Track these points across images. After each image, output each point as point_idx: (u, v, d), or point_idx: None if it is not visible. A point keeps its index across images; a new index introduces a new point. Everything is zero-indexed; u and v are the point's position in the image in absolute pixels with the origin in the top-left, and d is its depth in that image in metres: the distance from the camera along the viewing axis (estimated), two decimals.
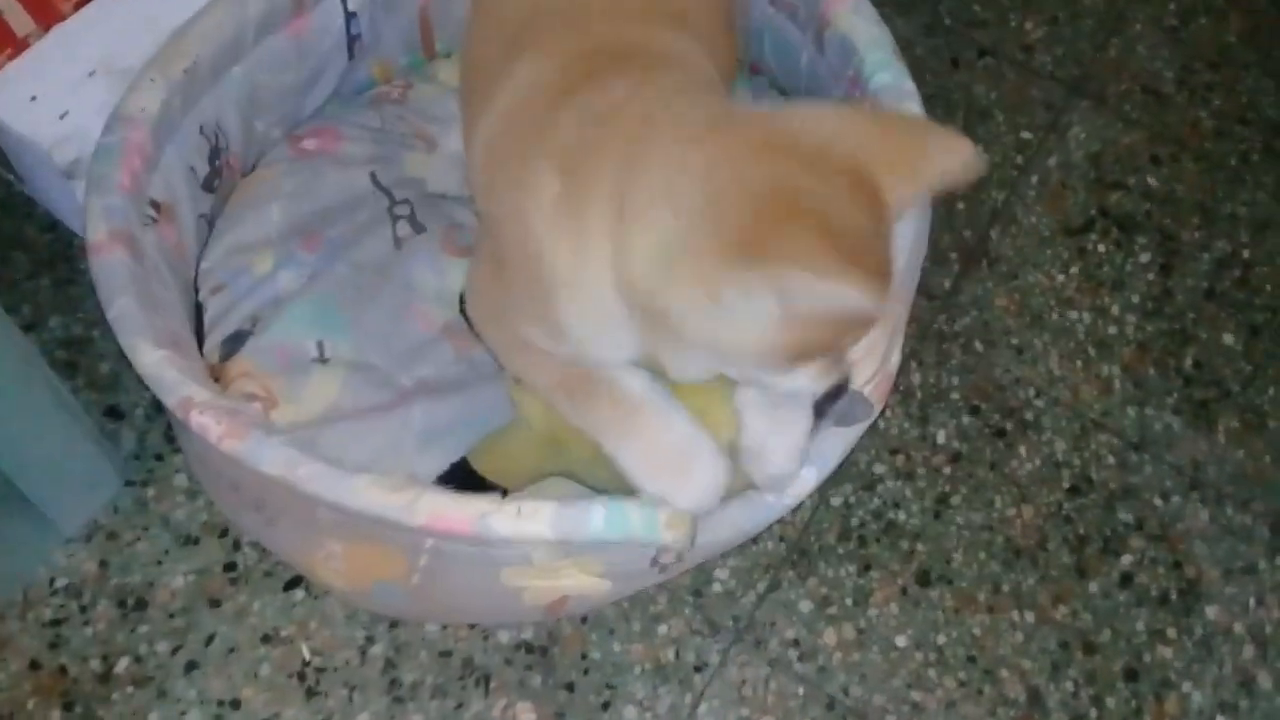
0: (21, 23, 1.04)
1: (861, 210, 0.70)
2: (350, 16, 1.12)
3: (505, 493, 0.93)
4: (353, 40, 1.14)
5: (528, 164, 0.77)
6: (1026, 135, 1.36)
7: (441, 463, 0.97)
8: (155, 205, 0.97)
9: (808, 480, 0.92)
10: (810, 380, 0.77)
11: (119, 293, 0.88)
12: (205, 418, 0.84)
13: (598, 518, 0.82)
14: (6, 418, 0.89)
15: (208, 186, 1.06)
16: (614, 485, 0.90)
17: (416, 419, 1.01)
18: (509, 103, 0.84)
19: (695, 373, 0.79)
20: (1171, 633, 1.07)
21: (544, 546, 0.85)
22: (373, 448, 0.99)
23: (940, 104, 1.38)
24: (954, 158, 0.72)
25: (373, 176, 1.12)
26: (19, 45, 1.05)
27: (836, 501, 1.12)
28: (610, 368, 0.86)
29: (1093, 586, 1.09)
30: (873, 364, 0.91)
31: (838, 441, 0.93)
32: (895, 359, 0.97)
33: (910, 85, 1.04)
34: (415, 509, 0.81)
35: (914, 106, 1.02)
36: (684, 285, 0.69)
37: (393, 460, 0.99)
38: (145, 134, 0.96)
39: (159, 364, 0.86)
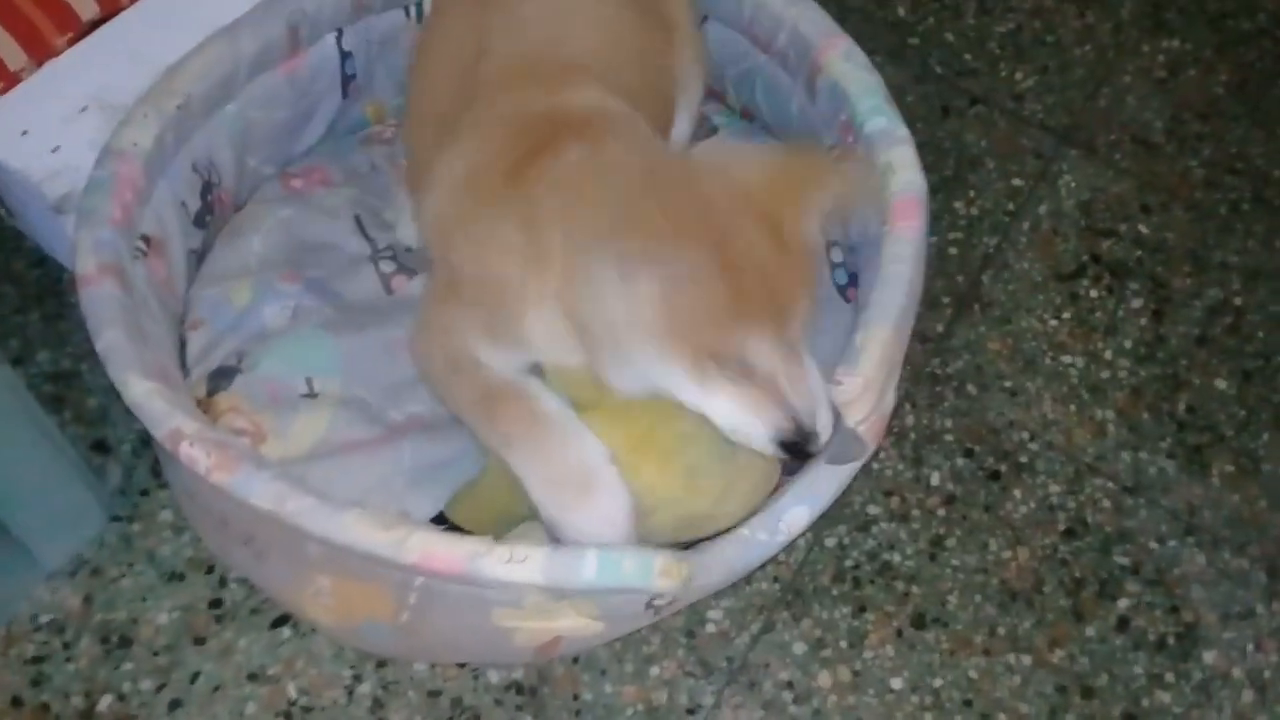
0: (14, 57, 1.05)
1: (759, 258, 0.79)
2: (345, 56, 1.13)
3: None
4: (347, 80, 1.15)
5: (496, 227, 0.86)
6: (1017, 183, 1.37)
7: (432, 504, 0.96)
8: (145, 239, 0.97)
9: (800, 518, 0.91)
10: (736, 405, 0.80)
11: (108, 325, 0.87)
12: (195, 450, 0.83)
13: (590, 565, 0.81)
14: None
15: (199, 222, 1.06)
16: None
17: (406, 457, 1.01)
18: (454, 181, 0.91)
19: (630, 382, 0.83)
20: (1169, 677, 1.06)
21: (535, 591, 0.84)
22: (362, 485, 0.98)
23: (931, 151, 1.39)
24: (847, 181, 0.85)
25: (357, 220, 1.13)
26: (11, 80, 1.05)
27: (831, 543, 1.11)
28: (536, 388, 0.89)
29: (1089, 630, 1.08)
30: (867, 403, 0.91)
31: (831, 479, 0.93)
32: (890, 399, 0.96)
33: (904, 131, 1.05)
34: (406, 547, 0.80)
35: (907, 151, 1.03)
36: (589, 274, 0.79)
37: (383, 497, 0.98)
38: (137, 168, 0.96)
39: (148, 396, 0.85)
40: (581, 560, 0.81)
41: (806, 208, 0.82)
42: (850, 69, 1.08)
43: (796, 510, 0.91)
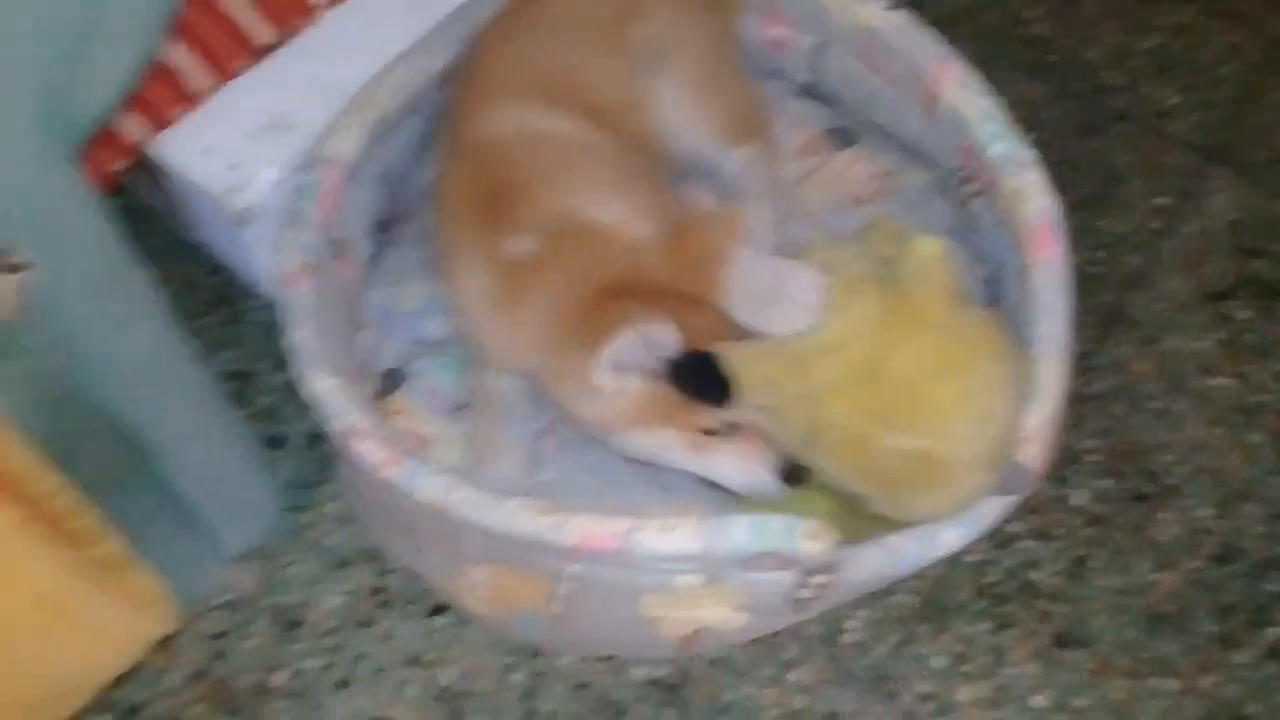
0: (198, 79, 1.11)
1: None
2: None
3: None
4: None
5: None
6: (1163, 201, 1.35)
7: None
8: (336, 242, 1.03)
9: (955, 539, 0.92)
10: (735, 461, 0.92)
11: (301, 322, 0.93)
12: (366, 445, 0.88)
13: (740, 529, 0.84)
14: (190, 443, 0.95)
15: (380, 229, 1.12)
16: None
17: (547, 471, 1.03)
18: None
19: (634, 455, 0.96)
20: None
21: (687, 567, 0.87)
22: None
23: (1069, 169, 1.37)
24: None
25: None
26: (195, 100, 1.11)
27: (971, 559, 1.11)
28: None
29: (1239, 657, 1.06)
30: (1046, 438, 0.92)
31: (994, 508, 0.93)
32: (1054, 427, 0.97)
33: (1028, 154, 1.05)
34: (565, 529, 0.84)
35: (1032, 174, 1.03)
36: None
37: None
38: (339, 176, 1.02)
39: (328, 391, 0.90)
40: (730, 526, 0.85)
41: (713, 268, 0.91)
42: (968, 95, 1.08)
43: (954, 531, 0.92)
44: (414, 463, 0.88)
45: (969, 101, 1.08)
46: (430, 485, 0.87)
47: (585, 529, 0.84)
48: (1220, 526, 1.13)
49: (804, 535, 0.84)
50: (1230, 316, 1.26)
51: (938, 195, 1.19)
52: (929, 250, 0.88)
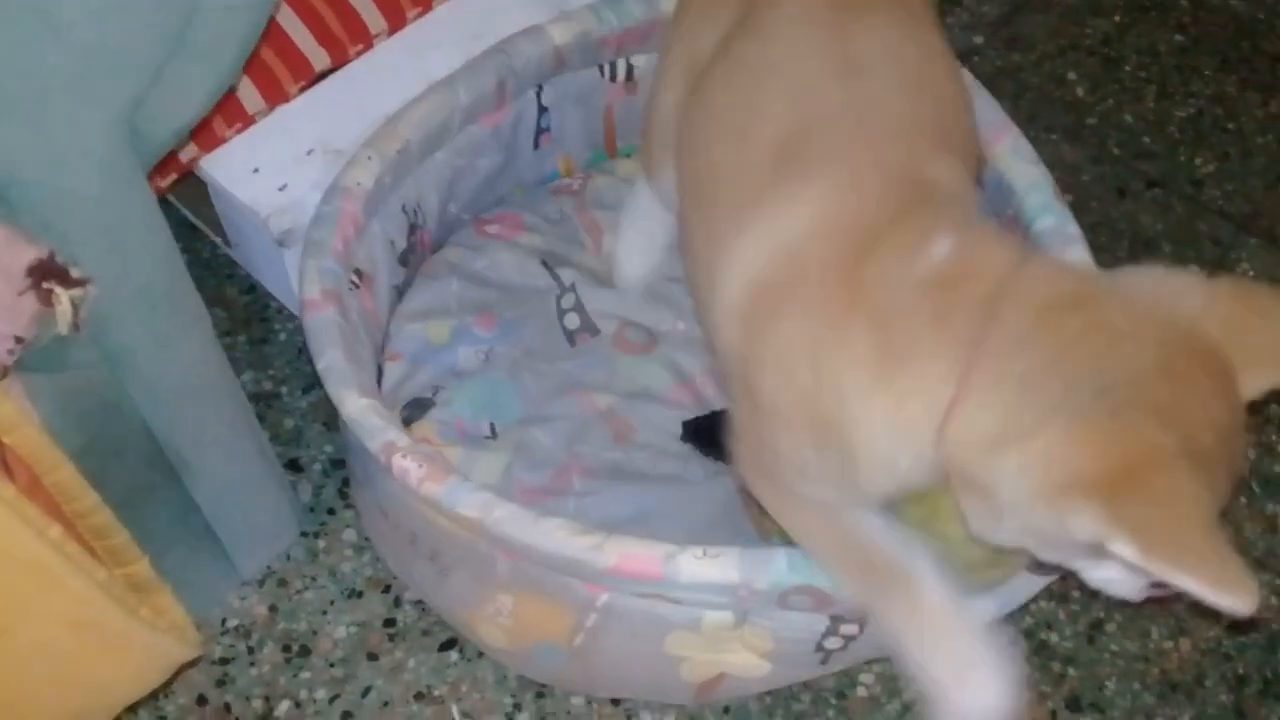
0: (252, 101, 1.12)
1: (1215, 420, 0.66)
2: (542, 110, 1.18)
3: None
4: (540, 133, 1.21)
5: (840, 324, 0.73)
6: (1193, 269, 1.35)
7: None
8: (358, 273, 1.04)
9: (987, 611, 0.92)
10: (1122, 576, 0.73)
11: (329, 346, 0.94)
12: (407, 461, 0.88)
13: (781, 561, 0.84)
14: (220, 462, 0.95)
15: (403, 260, 1.13)
16: None
17: (570, 509, 1.03)
18: (761, 272, 0.77)
19: (1000, 539, 0.72)
20: None
21: (721, 600, 0.86)
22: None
23: (1105, 232, 1.38)
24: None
25: (544, 263, 1.18)
26: (248, 121, 1.12)
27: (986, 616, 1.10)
28: (912, 566, 0.81)
29: None
30: None
31: (1029, 587, 0.93)
32: None
33: (1074, 229, 1.02)
34: (604, 550, 0.84)
35: (1080, 250, 1.01)
36: (1016, 480, 0.66)
37: None
38: (358, 206, 1.03)
39: (364, 411, 0.91)
40: (773, 558, 0.84)
41: (1255, 357, 0.68)
42: (1017, 163, 1.07)
43: (986, 603, 0.91)
44: (456, 479, 0.88)
45: (1017, 170, 1.06)
46: (471, 501, 0.86)
47: (625, 551, 0.84)
48: None
49: None
50: None
51: None
52: None
